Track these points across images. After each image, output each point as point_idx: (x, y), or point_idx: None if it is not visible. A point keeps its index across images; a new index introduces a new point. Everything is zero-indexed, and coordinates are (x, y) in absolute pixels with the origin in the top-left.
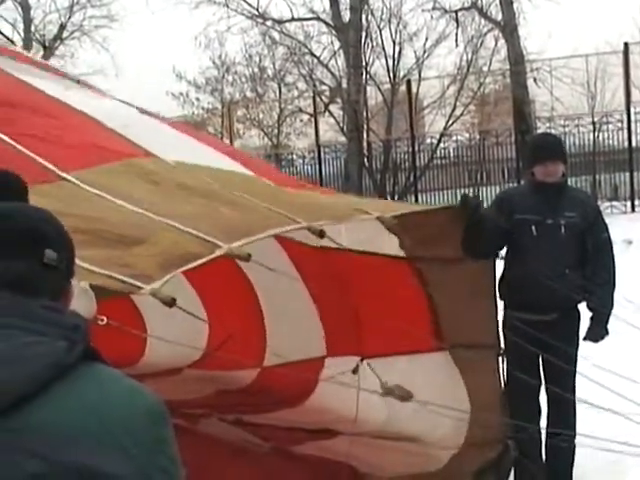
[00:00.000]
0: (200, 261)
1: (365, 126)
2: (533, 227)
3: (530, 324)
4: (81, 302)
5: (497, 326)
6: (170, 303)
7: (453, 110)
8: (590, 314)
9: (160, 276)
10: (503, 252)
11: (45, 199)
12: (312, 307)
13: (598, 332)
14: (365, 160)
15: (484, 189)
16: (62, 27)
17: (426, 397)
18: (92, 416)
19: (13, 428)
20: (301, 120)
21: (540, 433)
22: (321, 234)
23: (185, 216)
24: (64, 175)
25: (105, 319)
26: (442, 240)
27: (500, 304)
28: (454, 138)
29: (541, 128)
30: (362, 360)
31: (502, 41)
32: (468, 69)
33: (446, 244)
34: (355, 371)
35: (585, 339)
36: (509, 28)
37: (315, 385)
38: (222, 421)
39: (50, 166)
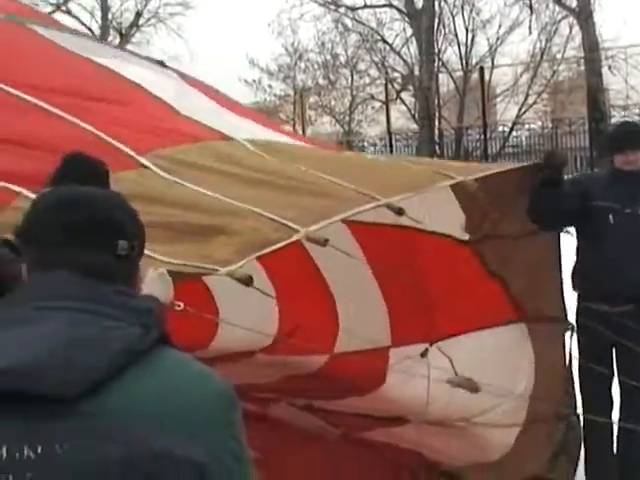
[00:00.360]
0: (277, 246)
1: (437, 114)
2: (610, 216)
3: (605, 315)
4: (158, 287)
5: (563, 299)
6: (247, 282)
7: (526, 98)
8: None
9: (237, 260)
10: (570, 229)
11: (126, 186)
12: (379, 294)
13: None
14: (436, 148)
15: None
16: (138, 14)
17: (494, 373)
18: (164, 401)
19: (90, 412)
20: (373, 107)
21: (612, 424)
22: (400, 212)
23: (263, 199)
24: (142, 161)
25: (182, 305)
26: (512, 212)
27: (574, 295)
28: (526, 126)
29: (615, 117)
30: (431, 345)
31: (576, 28)
32: (542, 57)
33: (516, 217)
34: (424, 354)
35: None
36: (584, 15)
37: (385, 375)
38: (292, 406)
39: (128, 150)
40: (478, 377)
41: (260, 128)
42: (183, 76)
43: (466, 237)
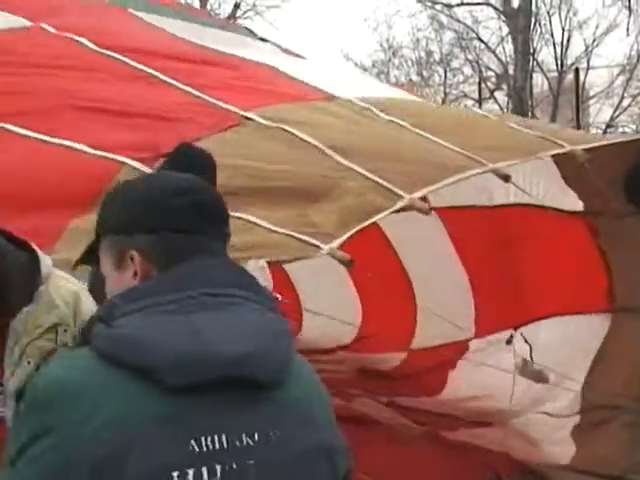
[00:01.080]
0: (380, 215)
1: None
2: None
3: None
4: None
5: None
6: (348, 263)
7: (620, 101)
8: None
9: (340, 234)
10: None
11: (229, 147)
12: (465, 280)
13: None
14: None
15: None
16: (236, 6)
17: (566, 363)
18: (315, 391)
19: (284, 399)
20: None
21: None
22: (506, 178)
23: (369, 157)
24: (246, 114)
25: (280, 296)
26: (619, 188)
27: None
28: (620, 130)
29: None
30: (515, 330)
31: None
32: (638, 59)
33: (614, 196)
34: (509, 341)
35: None
36: None
37: (453, 368)
38: (376, 402)
39: (232, 108)
40: (552, 365)
41: (370, 84)
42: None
43: (580, 207)
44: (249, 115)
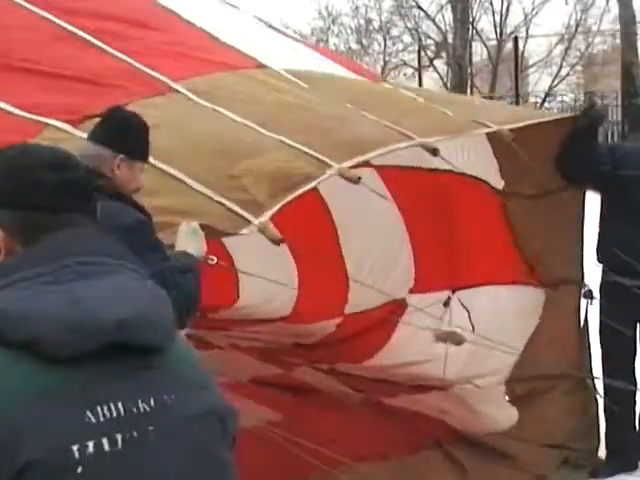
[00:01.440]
0: (310, 185)
1: (469, 82)
2: None
3: (629, 289)
4: (192, 242)
5: (582, 262)
6: (278, 242)
7: (559, 70)
8: None
9: (270, 204)
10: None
11: (157, 111)
12: (406, 238)
13: None
14: None
15: None
16: None
17: (505, 331)
18: (192, 356)
19: (170, 364)
20: (405, 74)
21: (635, 392)
22: (434, 152)
23: (297, 130)
24: (175, 86)
25: (215, 259)
26: (544, 165)
27: (599, 266)
28: (559, 98)
29: None
30: (453, 292)
31: (613, 1)
32: (577, 29)
33: (546, 171)
34: (447, 304)
35: None
36: None
37: (394, 329)
38: (315, 370)
39: (161, 77)
40: (491, 334)
41: (312, 57)
42: None
43: (500, 185)
44: (178, 88)
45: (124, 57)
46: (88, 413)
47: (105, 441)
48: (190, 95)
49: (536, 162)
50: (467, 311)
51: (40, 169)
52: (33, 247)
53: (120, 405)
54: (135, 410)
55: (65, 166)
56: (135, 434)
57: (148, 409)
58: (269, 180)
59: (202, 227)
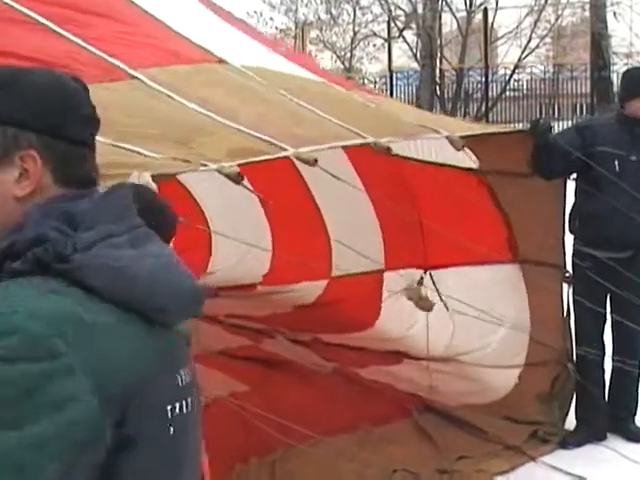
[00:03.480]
0: (267, 156)
1: (439, 53)
2: (616, 162)
3: (602, 261)
4: None
5: (563, 247)
6: (237, 179)
7: (528, 42)
8: None
9: (228, 161)
10: (574, 175)
11: (113, 94)
12: (373, 218)
13: None
14: (437, 88)
15: (556, 124)
16: None
17: (487, 305)
18: None
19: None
20: (374, 45)
21: (603, 362)
22: (388, 151)
23: (254, 120)
24: (133, 73)
25: (182, 219)
26: (510, 157)
27: (570, 238)
28: (528, 70)
29: (618, 64)
30: (425, 272)
31: None
32: (546, 0)
33: (515, 161)
34: (420, 282)
35: None
36: None
37: (380, 305)
38: (287, 340)
39: (120, 64)
40: (477, 307)
41: (270, 55)
42: None
43: (475, 165)
44: (136, 74)
45: (83, 43)
46: (177, 376)
47: (184, 403)
48: (148, 82)
49: (504, 158)
50: (436, 289)
51: (80, 98)
52: (102, 197)
53: (187, 370)
54: (187, 379)
55: (89, 101)
56: (189, 400)
57: (190, 380)
58: (227, 150)
59: (154, 178)
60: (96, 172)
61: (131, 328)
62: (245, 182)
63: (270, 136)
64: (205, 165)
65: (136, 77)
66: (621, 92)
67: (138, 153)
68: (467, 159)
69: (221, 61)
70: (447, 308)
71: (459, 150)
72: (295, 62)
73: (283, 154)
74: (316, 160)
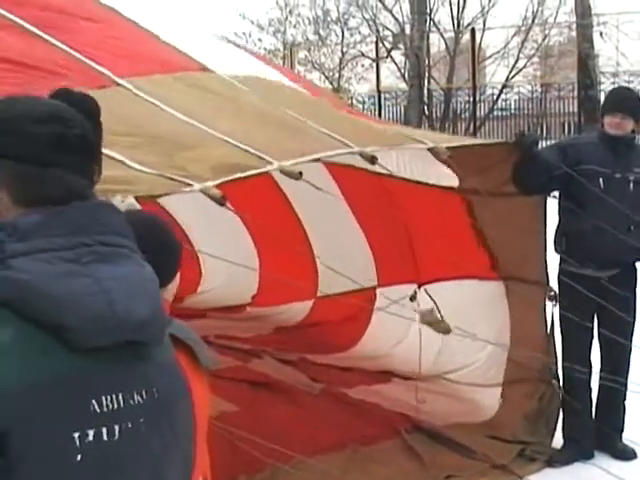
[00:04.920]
0: (254, 171)
1: (426, 73)
2: (600, 180)
3: (588, 279)
4: None
5: (547, 265)
6: (220, 201)
7: (516, 61)
8: None
9: (213, 179)
10: (555, 193)
11: (100, 100)
12: (360, 234)
13: None
14: (425, 108)
15: (543, 143)
16: None
17: (475, 323)
18: (169, 343)
19: (158, 356)
20: (362, 65)
21: (590, 379)
22: (372, 160)
23: (238, 130)
24: (119, 80)
25: None
26: (493, 174)
27: (556, 257)
28: (516, 90)
29: (605, 83)
30: (419, 287)
31: None
32: (533, 20)
33: (497, 178)
34: (413, 298)
35: None
36: None
37: (368, 322)
38: (280, 361)
39: (105, 71)
40: (462, 325)
41: (258, 65)
42: None
43: (455, 183)
44: (122, 82)
45: (68, 49)
46: (93, 402)
47: (104, 431)
48: (134, 90)
49: (488, 174)
50: (435, 303)
51: (29, 118)
52: (53, 212)
53: (120, 396)
54: (131, 402)
55: (57, 117)
56: (130, 425)
57: (141, 401)
58: (210, 166)
59: (138, 199)
60: (72, 189)
61: (29, 346)
62: (228, 204)
63: (254, 146)
64: (189, 185)
65: (121, 85)
66: (601, 109)
67: (122, 163)
68: (450, 174)
69: (205, 69)
70: (442, 318)
71: (443, 161)
72: (280, 71)
73: (267, 168)
74: (301, 173)
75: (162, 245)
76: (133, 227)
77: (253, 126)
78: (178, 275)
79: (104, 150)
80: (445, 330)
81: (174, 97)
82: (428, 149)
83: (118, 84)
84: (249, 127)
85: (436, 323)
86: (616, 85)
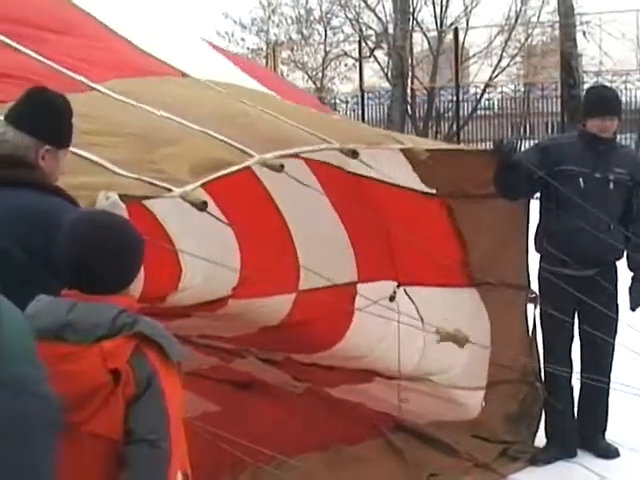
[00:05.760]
0: (233, 168)
1: (410, 73)
2: (580, 179)
3: (569, 279)
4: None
5: (528, 268)
6: (201, 207)
7: (499, 61)
8: (631, 274)
9: (192, 181)
10: (537, 195)
11: (74, 105)
12: (341, 230)
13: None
14: (408, 107)
15: (527, 142)
16: None
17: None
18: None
19: None
20: (345, 64)
21: (571, 379)
22: (354, 154)
23: (218, 123)
24: (94, 85)
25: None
26: (472, 178)
27: (536, 256)
28: (499, 89)
29: (588, 82)
30: (399, 286)
31: None
32: (516, 20)
33: (477, 183)
34: (392, 299)
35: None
36: None
37: (351, 320)
38: (264, 361)
39: (81, 78)
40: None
41: (238, 74)
42: None
43: (433, 190)
44: (97, 87)
45: (41, 58)
46: None
47: None
48: (109, 92)
49: (459, 180)
50: (415, 305)
51: None
52: None
53: None
54: None
55: None
56: None
57: None
58: (189, 165)
59: (121, 197)
60: None
61: None
62: (209, 209)
63: (234, 138)
64: (169, 190)
65: (96, 89)
66: (583, 110)
67: (101, 166)
68: (417, 182)
69: (184, 75)
70: (423, 321)
71: (422, 163)
72: (258, 80)
73: (248, 162)
74: (282, 166)
75: (117, 246)
76: (76, 229)
77: (234, 119)
78: (142, 272)
79: (80, 152)
80: (462, 341)
81: (150, 95)
82: (407, 150)
83: (93, 89)
84: (230, 120)
85: (449, 336)
86: (599, 84)
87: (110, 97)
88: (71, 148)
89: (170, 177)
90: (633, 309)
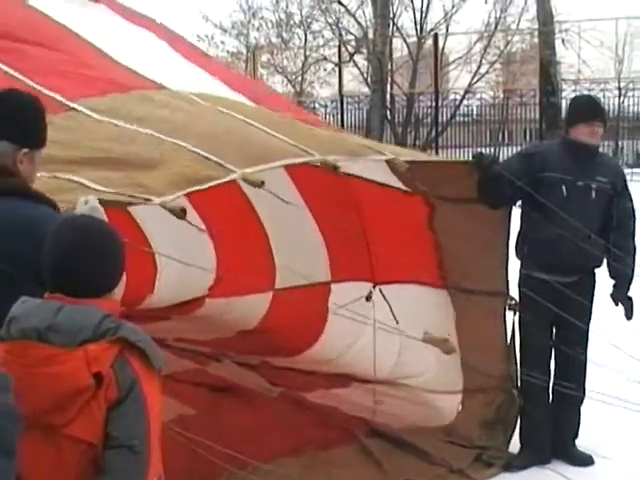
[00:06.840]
0: (213, 183)
1: (389, 78)
2: (563, 187)
3: (548, 285)
4: None
5: (507, 274)
6: (180, 214)
7: (478, 67)
8: (613, 282)
9: (171, 193)
10: (519, 202)
11: (54, 131)
12: (318, 235)
13: (619, 298)
14: (387, 112)
15: (505, 149)
16: None
17: (422, 330)
18: None
19: None
20: (325, 69)
21: (548, 387)
22: (335, 168)
23: (198, 138)
24: (71, 105)
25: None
26: (453, 183)
27: (517, 262)
28: (478, 96)
29: (566, 90)
30: (375, 286)
31: (532, 0)
32: (496, 27)
33: (458, 187)
34: (369, 298)
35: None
36: None
37: (325, 321)
38: (240, 365)
39: (57, 96)
40: (414, 329)
41: (215, 84)
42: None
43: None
44: (75, 106)
45: (17, 75)
46: None
47: None
48: (88, 112)
49: (440, 190)
50: (389, 305)
51: None
52: None
53: None
54: None
55: None
56: None
57: None
58: (169, 179)
59: (101, 202)
60: None
61: None
62: (188, 217)
63: (214, 153)
64: (149, 200)
65: (74, 108)
66: (567, 117)
67: (81, 184)
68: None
69: (161, 87)
70: (397, 322)
71: (403, 172)
72: (241, 92)
73: (229, 177)
74: (263, 182)
75: (100, 248)
76: (59, 234)
77: (214, 134)
78: (124, 276)
79: (61, 175)
80: (448, 349)
81: (131, 113)
82: (387, 161)
83: (70, 108)
84: (210, 135)
85: (436, 342)
86: (578, 92)
87: (87, 116)
88: (53, 173)
89: (150, 190)
90: (629, 318)
